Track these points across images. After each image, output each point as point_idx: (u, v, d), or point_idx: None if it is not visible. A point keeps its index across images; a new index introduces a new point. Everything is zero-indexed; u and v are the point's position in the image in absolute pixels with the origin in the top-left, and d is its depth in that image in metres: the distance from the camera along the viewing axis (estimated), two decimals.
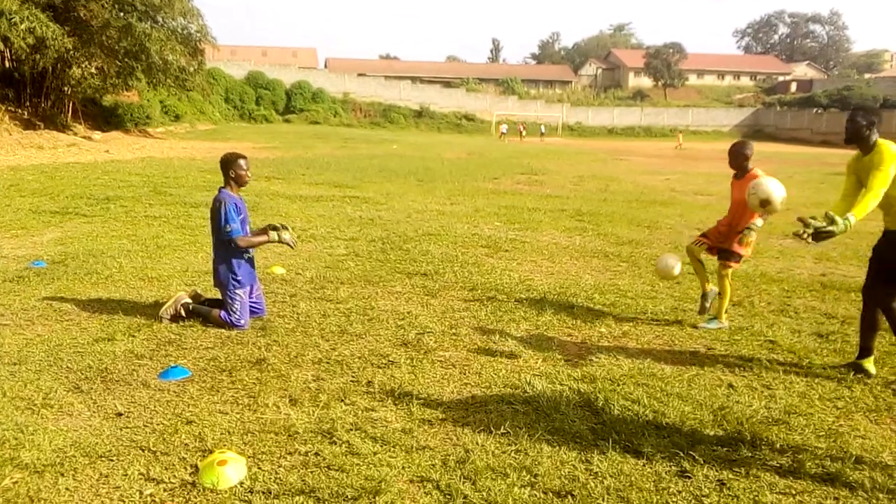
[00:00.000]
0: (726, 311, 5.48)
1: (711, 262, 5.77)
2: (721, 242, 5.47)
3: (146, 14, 26.16)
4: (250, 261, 5.23)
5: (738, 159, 5.42)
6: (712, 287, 5.49)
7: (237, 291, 5.03)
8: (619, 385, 4.13)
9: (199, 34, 29.18)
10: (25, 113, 24.87)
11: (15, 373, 4.07)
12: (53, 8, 22.65)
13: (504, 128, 54.17)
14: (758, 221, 5.21)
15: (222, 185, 5.15)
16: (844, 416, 3.83)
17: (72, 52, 23.84)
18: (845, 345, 5.04)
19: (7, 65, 25.39)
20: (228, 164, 5.10)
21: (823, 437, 3.52)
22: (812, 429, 3.62)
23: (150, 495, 2.85)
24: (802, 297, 6.46)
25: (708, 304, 5.47)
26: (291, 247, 5.45)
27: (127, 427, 3.44)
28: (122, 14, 25.25)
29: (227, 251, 5.08)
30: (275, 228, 5.26)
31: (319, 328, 5.09)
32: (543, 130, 55.81)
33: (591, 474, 3.09)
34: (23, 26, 19.86)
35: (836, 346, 5.00)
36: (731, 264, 5.38)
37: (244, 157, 5.16)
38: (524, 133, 54.07)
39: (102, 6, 24.44)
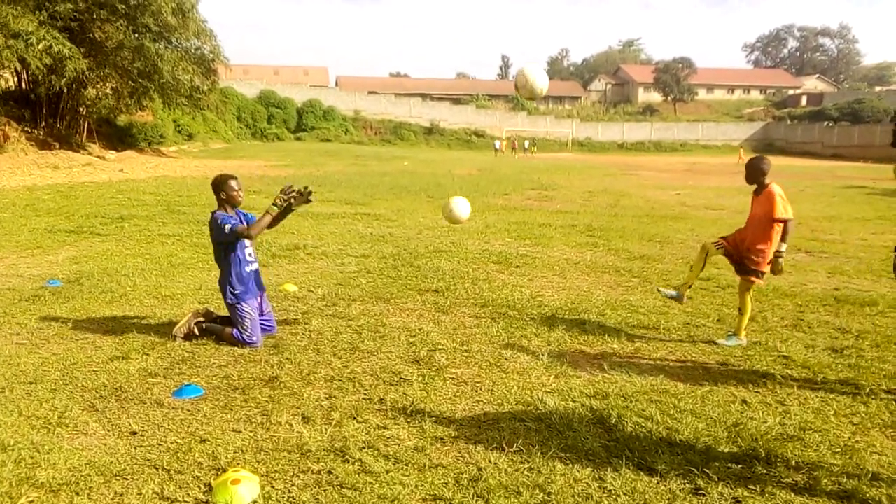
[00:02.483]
0: (745, 328, 5.45)
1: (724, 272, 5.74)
2: (738, 253, 5.46)
3: (160, 35, 26.53)
4: (253, 274, 5.24)
5: (755, 174, 5.41)
6: (687, 295, 5.74)
7: (242, 306, 5.05)
8: (631, 402, 4.12)
9: (212, 54, 29.54)
10: (41, 133, 25.22)
11: (31, 392, 4.11)
12: (69, 30, 23.02)
13: (497, 143, 54.84)
14: (783, 247, 5.23)
15: (216, 208, 5.17)
16: (860, 432, 3.79)
17: (87, 73, 24.21)
18: (860, 360, 5.00)
19: (24, 86, 25.79)
20: (219, 186, 5.12)
21: (839, 454, 3.49)
22: (827, 445, 3.59)
23: None
24: (816, 312, 6.41)
25: (678, 299, 5.74)
26: (306, 198, 5.02)
27: (141, 446, 3.46)
28: (135, 35, 25.61)
29: (225, 265, 5.12)
30: (274, 203, 5.02)
31: (331, 345, 5.11)
32: (527, 145, 55.97)
33: (604, 492, 3.08)
34: (40, 46, 20.19)
35: (851, 362, 4.96)
36: (752, 279, 5.36)
37: (235, 178, 5.18)
38: (516, 148, 54.59)
39: (117, 28, 24.83)
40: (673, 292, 5.81)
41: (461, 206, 5.63)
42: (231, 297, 5.08)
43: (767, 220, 5.26)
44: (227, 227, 4.97)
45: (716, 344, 5.35)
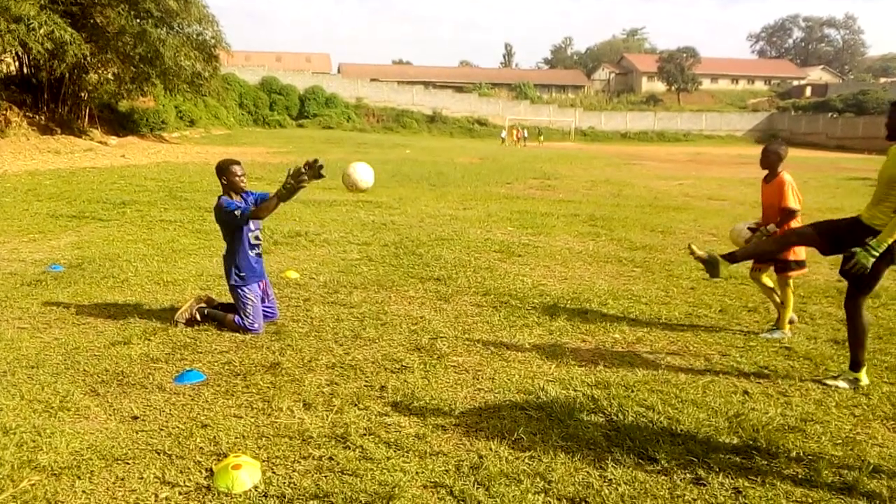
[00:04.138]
0: (788, 321, 5.39)
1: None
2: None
3: (162, 20, 26.40)
4: (257, 258, 5.26)
5: (770, 158, 5.32)
6: (791, 315, 5.42)
7: (246, 291, 5.06)
8: (633, 391, 4.11)
9: (213, 40, 29.41)
10: (43, 118, 25.16)
11: (33, 376, 4.11)
12: (71, 15, 22.90)
13: (504, 133, 54.62)
14: (771, 226, 5.20)
15: (221, 193, 5.18)
16: (862, 423, 3.79)
17: (88, 58, 24.12)
18: None
19: (25, 71, 25.71)
20: (222, 171, 5.12)
21: (840, 446, 3.49)
22: (829, 437, 3.58)
23: (166, 499, 2.87)
24: (818, 304, 6.40)
25: (779, 332, 5.36)
26: (317, 172, 4.75)
27: (143, 430, 3.46)
28: (137, 20, 25.48)
29: (232, 247, 5.13)
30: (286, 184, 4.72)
31: (333, 333, 5.11)
32: (526, 135, 54.83)
33: (605, 481, 3.08)
34: (41, 31, 20.10)
35: None
36: (789, 274, 5.29)
37: (237, 163, 5.16)
38: (520, 138, 53.91)
39: (118, 13, 24.70)
40: (775, 332, 5.37)
41: (362, 172, 5.07)
42: (236, 279, 5.08)
43: (780, 208, 5.24)
44: (238, 211, 4.95)
45: (757, 334, 5.32)
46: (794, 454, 3.37)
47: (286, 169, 4.89)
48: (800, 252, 5.27)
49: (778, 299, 5.42)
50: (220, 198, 5.11)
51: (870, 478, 3.15)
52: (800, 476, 3.18)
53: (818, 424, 3.73)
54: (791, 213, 5.20)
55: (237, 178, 5.11)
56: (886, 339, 5.33)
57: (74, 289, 6.14)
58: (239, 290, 5.08)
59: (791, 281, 5.33)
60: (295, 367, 4.39)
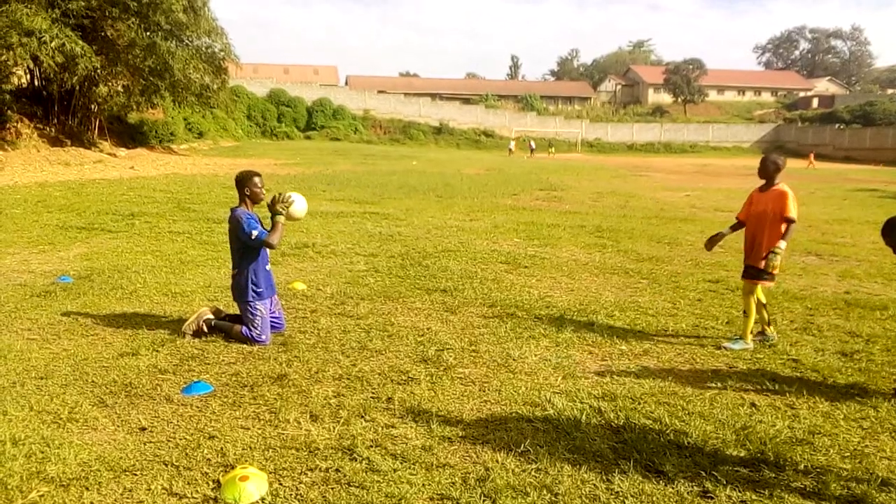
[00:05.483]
0: (751, 332, 5.40)
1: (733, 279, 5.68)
2: (747, 259, 5.41)
3: (171, 33, 26.66)
4: (269, 272, 5.30)
5: (769, 169, 5.35)
6: (772, 332, 5.44)
7: (257, 304, 5.08)
8: (640, 403, 4.11)
9: (222, 53, 29.66)
10: (53, 130, 25.41)
11: (42, 387, 4.14)
12: (82, 28, 23.16)
13: (512, 144, 54.46)
14: (781, 244, 5.17)
15: (236, 204, 5.22)
16: (870, 436, 3.77)
17: (99, 71, 24.37)
18: (870, 364, 4.97)
19: (36, 83, 25.97)
20: (244, 181, 5.18)
21: (848, 458, 3.47)
22: (837, 449, 3.57)
23: None
24: (826, 315, 6.38)
25: (741, 342, 5.33)
26: (291, 201, 5.15)
27: (150, 441, 3.48)
28: (147, 33, 25.74)
29: (248, 263, 5.15)
30: (275, 212, 5.10)
31: (340, 344, 5.12)
32: (533, 146, 54.46)
33: (612, 494, 3.07)
34: (53, 44, 20.32)
35: (861, 366, 4.93)
36: (757, 282, 5.32)
37: (258, 175, 5.25)
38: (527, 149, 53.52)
39: (129, 26, 24.95)
40: (737, 342, 5.32)
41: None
42: (252, 294, 5.10)
43: (775, 218, 5.21)
44: (255, 233, 5.00)
45: (720, 348, 5.29)
46: (801, 467, 3.36)
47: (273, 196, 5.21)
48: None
49: (766, 315, 5.42)
50: (235, 210, 5.13)
51: (878, 491, 3.14)
52: (808, 489, 3.16)
53: (826, 437, 3.71)
54: (791, 223, 5.20)
55: (258, 190, 5.19)
56: (895, 351, 5.30)
57: (83, 300, 6.18)
58: (250, 305, 5.10)
59: (757, 290, 5.34)
60: (302, 378, 4.40)
